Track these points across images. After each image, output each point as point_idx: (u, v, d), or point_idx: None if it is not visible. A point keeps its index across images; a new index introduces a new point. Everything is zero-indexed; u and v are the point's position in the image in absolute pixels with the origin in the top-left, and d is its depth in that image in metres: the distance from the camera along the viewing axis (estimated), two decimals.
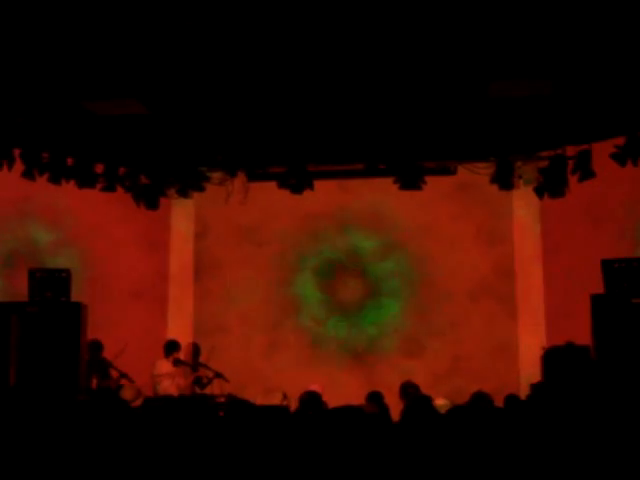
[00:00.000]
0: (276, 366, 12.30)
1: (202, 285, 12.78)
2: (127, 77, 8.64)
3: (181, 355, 11.20)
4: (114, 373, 10.43)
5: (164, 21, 7.34)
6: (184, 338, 11.84)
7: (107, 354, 10.62)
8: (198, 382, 10.88)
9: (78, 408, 6.99)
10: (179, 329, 12.39)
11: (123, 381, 10.34)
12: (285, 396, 9.59)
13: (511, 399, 8.36)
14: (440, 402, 8.73)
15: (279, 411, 6.50)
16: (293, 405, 8.29)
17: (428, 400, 8.42)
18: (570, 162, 10.85)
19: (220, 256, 12.78)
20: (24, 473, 5.95)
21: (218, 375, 10.67)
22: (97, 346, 10.62)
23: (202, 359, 11.20)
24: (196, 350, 11.43)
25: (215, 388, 10.64)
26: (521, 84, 8.73)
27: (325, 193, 12.22)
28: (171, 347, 11.14)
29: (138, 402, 9.22)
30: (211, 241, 12.85)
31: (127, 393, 9.48)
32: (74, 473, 5.90)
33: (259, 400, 9.15)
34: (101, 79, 8.65)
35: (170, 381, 10.81)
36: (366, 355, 12.27)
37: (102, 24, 7.35)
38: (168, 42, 7.80)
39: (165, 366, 10.95)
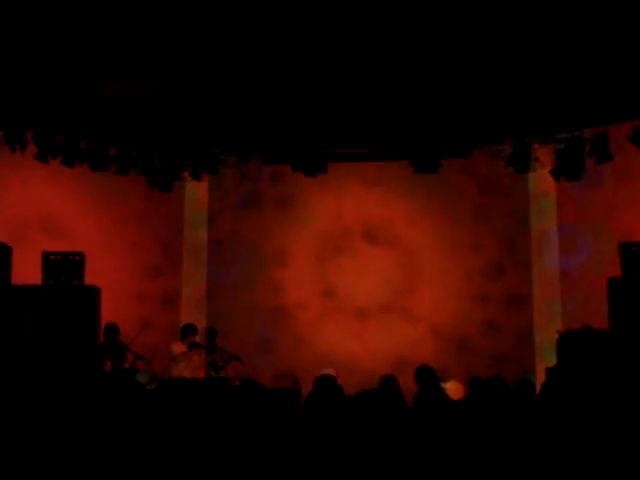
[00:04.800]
0: (294, 348, 12.32)
1: (215, 266, 12.79)
2: (142, 59, 8.61)
3: (197, 339, 11.18)
4: (130, 356, 10.42)
5: (178, 4, 7.29)
6: (197, 319, 11.87)
7: (122, 337, 10.62)
8: (213, 365, 10.86)
9: (92, 390, 6.98)
10: (193, 309, 12.42)
11: (139, 363, 10.32)
12: (296, 380, 9.57)
13: (524, 383, 8.29)
14: (451, 385, 8.69)
15: (291, 394, 6.48)
16: (304, 388, 8.25)
17: (440, 385, 8.39)
18: (587, 144, 10.75)
19: (236, 235, 12.78)
20: (37, 455, 5.94)
21: (234, 358, 10.66)
22: (113, 329, 10.60)
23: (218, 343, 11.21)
24: (211, 333, 11.40)
25: (229, 371, 10.64)
26: None
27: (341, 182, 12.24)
28: (187, 331, 11.11)
29: (154, 385, 9.20)
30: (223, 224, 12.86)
31: (142, 377, 9.47)
32: (86, 455, 5.89)
33: (270, 384, 9.12)
34: (115, 60, 8.63)
35: (185, 363, 10.80)
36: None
37: (115, 6, 7.31)
38: (183, 24, 7.76)
39: (180, 348, 10.94)
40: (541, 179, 11.71)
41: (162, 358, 11.06)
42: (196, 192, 12.75)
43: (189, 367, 10.83)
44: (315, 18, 7.62)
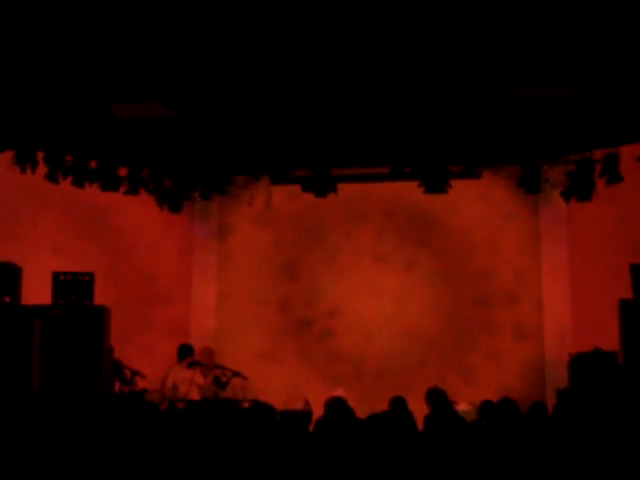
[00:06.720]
0: (299, 366, 12.27)
1: (224, 286, 12.77)
2: (152, 80, 8.64)
3: (195, 358, 11.22)
4: (127, 373, 10.42)
5: (190, 24, 7.32)
6: (206, 341, 11.89)
7: (121, 356, 10.60)
8: (217, 382, 10.88)
9: (104, 411, 6.97)
10: (201, 331, 12.41)
11: (137, 378, 10.32)
12: (307, 402, 9.56)
13: (537, 406, 8.27)
14: (464, 408, 8.66)
15: (302, 417, 6.46)
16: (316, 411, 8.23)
17: (452, 407, 8.35)
18: (598, 166, 10.71)
19: (243, 258, 12.77)
20: (47, 475, 5.93)
21: (236, 374, 10.71)
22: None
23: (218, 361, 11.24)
24: (210, 352, 11.50)
25: (237, 391, 10.64)
26: (550, 86, 8.64)
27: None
28: (184, 351, 11.21)
29: (163, 406, 9.19)
30: (233, 242, 12.86)
31: (152, 397, 9.46)
32: (97, 476, 5.88)
33: (281, 406, 9.11)
34: (126, 81, 8.65)
35: (188, 384, 10.82)
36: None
37: (127, 26, 7.34)
38: (193, 45, 7.78)
39: (179, 372, 10.97)
40: (552, 203, 11.69)
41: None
42: (206, 211, 12.79)
43: (194, 387, 10.85)
44: (324, 39, 7.63)
